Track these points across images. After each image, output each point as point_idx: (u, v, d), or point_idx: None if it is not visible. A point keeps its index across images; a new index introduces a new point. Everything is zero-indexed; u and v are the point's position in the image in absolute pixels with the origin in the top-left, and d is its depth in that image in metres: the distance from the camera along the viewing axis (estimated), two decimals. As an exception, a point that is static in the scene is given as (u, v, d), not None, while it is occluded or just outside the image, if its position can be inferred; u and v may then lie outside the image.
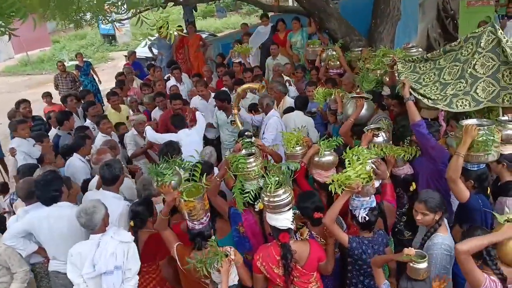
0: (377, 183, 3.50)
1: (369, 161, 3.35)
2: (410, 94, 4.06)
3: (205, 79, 7.70)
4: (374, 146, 3.82)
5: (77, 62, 10.94)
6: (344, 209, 3.23)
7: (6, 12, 2.55)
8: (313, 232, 3.30)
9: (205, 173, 3.28)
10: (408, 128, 4.16)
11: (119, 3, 3.95)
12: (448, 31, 12.28)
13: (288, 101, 6.32)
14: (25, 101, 7.13)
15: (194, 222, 3.04)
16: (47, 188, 3.61)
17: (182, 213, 3.14)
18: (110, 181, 3.88)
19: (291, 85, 6.94)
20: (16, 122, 5.90)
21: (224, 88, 6.87)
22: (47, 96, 8.34)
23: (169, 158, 3.41)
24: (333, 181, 3.05)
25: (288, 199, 3.04)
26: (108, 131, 5.80)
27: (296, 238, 3.16)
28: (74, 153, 5.04)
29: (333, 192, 3.04)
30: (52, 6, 5.30)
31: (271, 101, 5.58)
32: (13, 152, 5.39)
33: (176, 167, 3.31)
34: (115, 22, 6.81)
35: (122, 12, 5.29)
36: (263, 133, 5.42)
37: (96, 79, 10.96)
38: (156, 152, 5.67)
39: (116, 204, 3.73)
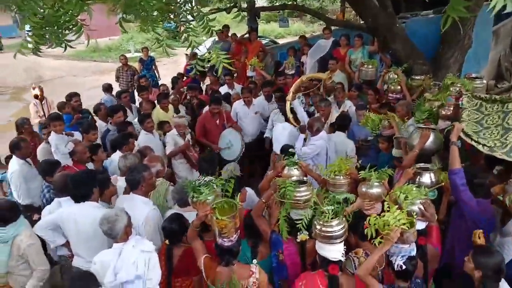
0: (423, 225, 3.29)
1: (418, 201, 3.17)
2: (459, 139, 3.81)
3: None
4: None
5: (141, 55, 11.30)
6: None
7: (63, 26, 2.63)
8: (368, 252, 3.14)
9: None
10: None
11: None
12: (522, 61, 11.54)
13: (335, 116, 6.21)
14: (76, 94, 7.42)
15: (224, 239, 3.01)
16: (78, 186, 3.70)
17: (213, 229, 3.10)
18: (132, 186, 3.94)
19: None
20: (49, 119, 6.11)
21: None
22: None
23: (207, 174, 3.38)
24: (369, 224, 2.86)
25: (342, 231, 2.91)
26: (150, 129, 6.03)
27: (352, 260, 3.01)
28: (118, 150, 5.18)
29: (368, 237, 2.84)
30: (122, 1, 5.52)
31: (321, 125, 5.40)
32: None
33: (214, 185, 3.27)
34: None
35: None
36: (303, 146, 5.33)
37: (157, 75, 11.30)
38: (191, 153, 5.92)
39: (142, 208, 3.78)
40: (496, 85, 10.55)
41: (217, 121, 6.63)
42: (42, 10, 2.56)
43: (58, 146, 5.42)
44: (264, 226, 3.51)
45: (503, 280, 2.94)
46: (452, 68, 6.65)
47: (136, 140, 5.64)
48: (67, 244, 3.91)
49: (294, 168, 3.88)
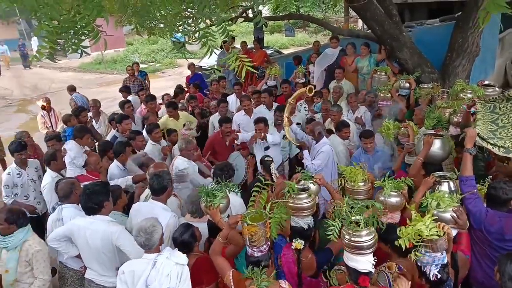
0: (454, 232, 3.19)
1: (450, 209, 3.12)
2: (475, 145, 3.74)
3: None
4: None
5: (145, 67, 11.26)
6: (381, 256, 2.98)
7: (80, 31, 2.62)
8: (401, 266, 3.02)
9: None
10: None
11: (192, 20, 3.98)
12: (529, 69, 11.48)
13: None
14: (84, 110, 7.43)
15: (254, 249, 2.93)
16: (90, 198, 3.63)
17: (243, 238, 3.02)
18: (158, 192, 3.90)
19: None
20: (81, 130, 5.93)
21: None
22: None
23: (222, 180, 3.35)
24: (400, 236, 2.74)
25: (372, 241, 2.78)
26: (158, 140, 6.01)
27: (386, 275, 2.91)
28: (115, 159, 5.19)
29: (403, 248, 2.71)
30: (130, 12, 5.54)
31: (323, 129, 5.34)
32: (64, 152, 5.41)
33: (226, 190, 3.23)
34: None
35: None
36: (313, 159, 5.22)
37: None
38: (205, 163, 5.76)
39: (163, 215, 3.74)
40: (503, 93, 10.53)
41: (227, 142, 6.38)
42: (58, 15, 2.56)
43: (76, 158, 5.31)
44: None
45: None
46: (460, 76, 6.65)
47: (139, 150, 5.62)
48: (80, 256, 3.84)
49: (310, 182, 3.71)
